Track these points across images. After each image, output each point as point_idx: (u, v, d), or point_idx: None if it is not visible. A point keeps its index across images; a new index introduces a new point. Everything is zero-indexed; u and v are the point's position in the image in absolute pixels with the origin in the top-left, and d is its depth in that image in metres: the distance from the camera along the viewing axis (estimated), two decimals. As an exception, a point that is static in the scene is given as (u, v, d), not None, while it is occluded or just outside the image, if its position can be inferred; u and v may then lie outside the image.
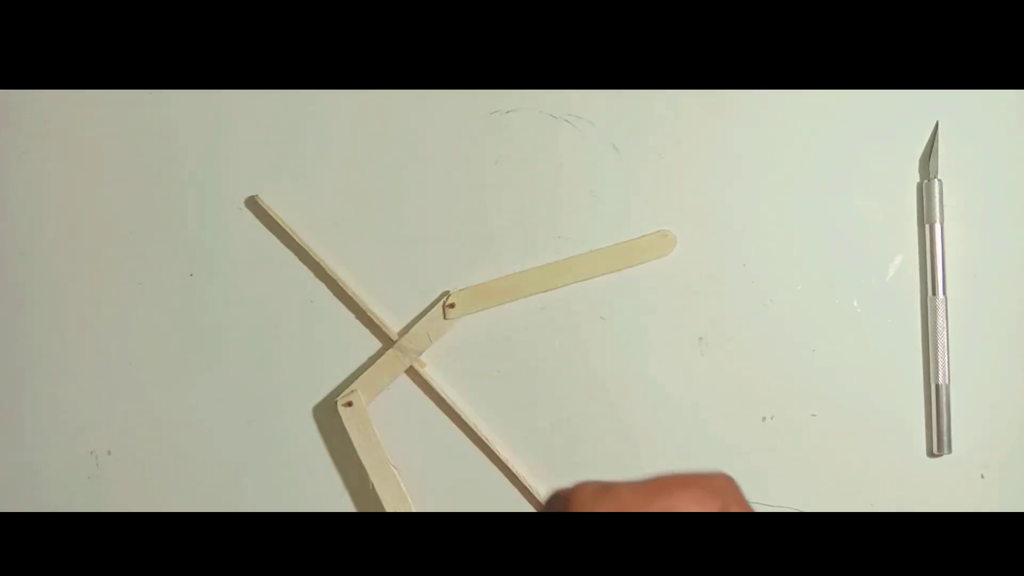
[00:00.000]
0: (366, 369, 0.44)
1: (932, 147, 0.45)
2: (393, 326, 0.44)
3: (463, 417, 0.44)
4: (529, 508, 0.43)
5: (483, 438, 0.44)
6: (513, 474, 0.44)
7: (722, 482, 0.31)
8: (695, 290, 0.45)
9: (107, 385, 0.46)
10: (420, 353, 0.43)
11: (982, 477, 0.44)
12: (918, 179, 0.45)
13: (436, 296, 0.45)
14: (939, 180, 0.44)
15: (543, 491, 0.41)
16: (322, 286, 0.46)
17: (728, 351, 0.45)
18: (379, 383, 0.43)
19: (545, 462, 0.40)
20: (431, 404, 0.45)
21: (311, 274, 0.46)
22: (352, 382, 0.45)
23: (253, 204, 0.43)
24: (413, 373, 0.45)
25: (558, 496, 0.32)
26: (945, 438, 0.43)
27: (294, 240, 0.44)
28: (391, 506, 0.43)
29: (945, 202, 0.44)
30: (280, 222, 0.41)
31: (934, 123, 0.45)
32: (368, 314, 0.44)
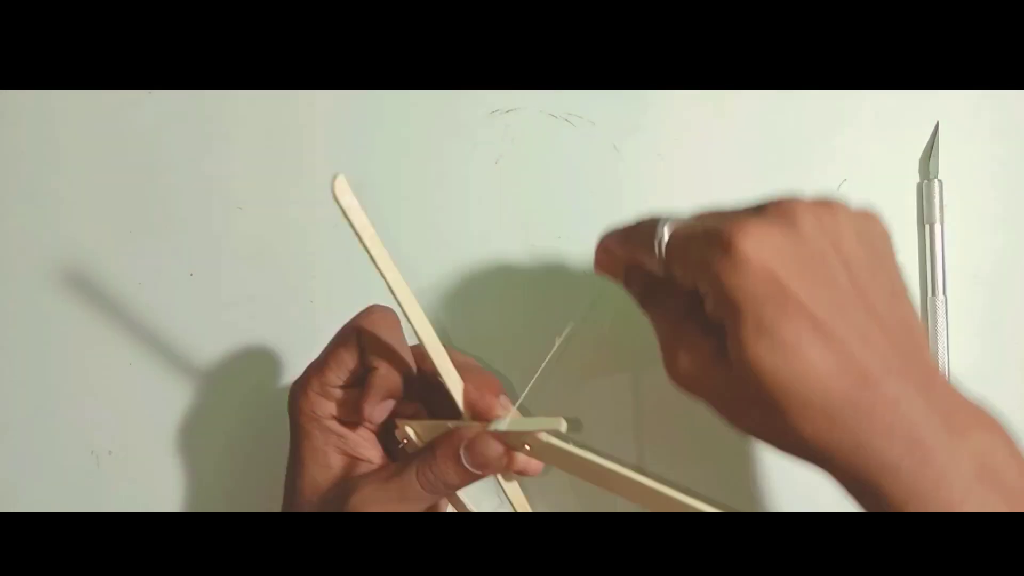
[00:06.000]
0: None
1: (932, 147, 0.45)
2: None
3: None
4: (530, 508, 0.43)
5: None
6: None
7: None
8: (695, 290, 0.45)
9: (107, 385, 0.46)
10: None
11: (982, 477, 0.44)
12: (918, 179, 0.45)
13: (439, 295, 0.45)
14: (939, 180, 0.44)
15: (541, 491, 0.41)
16: (320, 285, 0.46)
17: (728, 351, 0.45)
18: (431, 434, 0.36)
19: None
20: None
21: (311, 274, 0.46)
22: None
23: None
24: None
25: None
26: (945, 438, 0.43)
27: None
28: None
29: (945, 202, 0.44)
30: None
31: (934, 123, 0.45)
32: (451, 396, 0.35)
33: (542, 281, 0.45)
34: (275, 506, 0.45)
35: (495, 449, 0.33)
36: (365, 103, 0.46)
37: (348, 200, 0.29)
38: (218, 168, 0.46)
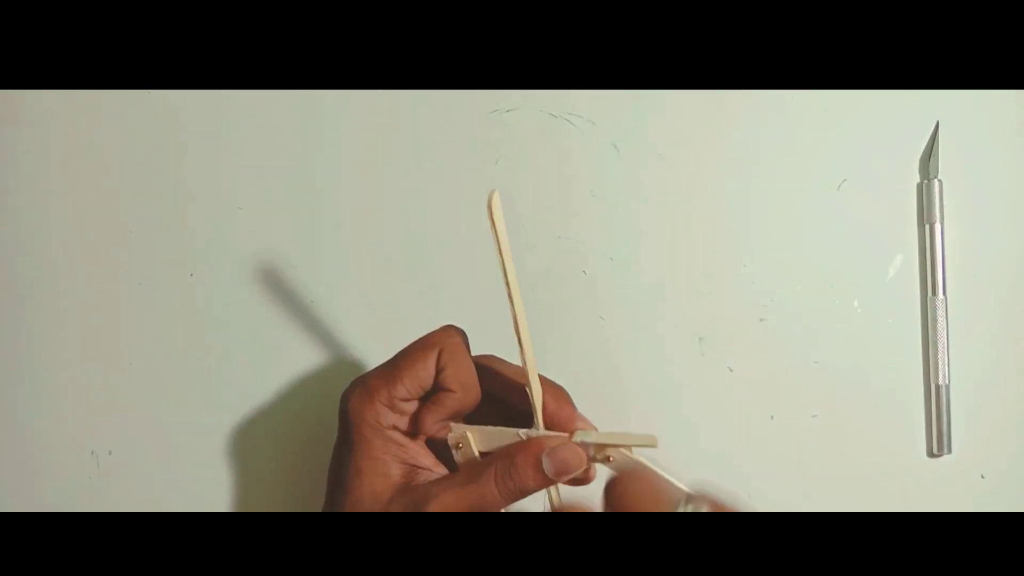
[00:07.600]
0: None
1: (932, 147, 0.45)
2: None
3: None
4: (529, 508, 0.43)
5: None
6: None
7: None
8: (695, 290, 0.45)
9: (107, 385, 0.46)
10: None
11: (982, 477, 0.44)
12: (918, 179, 0.45)
13: (439, 293, 0.45)
14: (939, 180, 0.44)
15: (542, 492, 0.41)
16: (320, 285, 0.46)
17: (728, 351, 0.45)
18: (494, 442, 0.37)
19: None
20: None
21: (311, 274, 0.46)
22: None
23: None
24: None
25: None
26: (945, 438, 0.43)
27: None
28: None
29: (945, 202, 0.44)
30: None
31: (934, 123, 0.45)
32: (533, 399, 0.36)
33: (542, 281, 0.45)
34: (276, 505, 0.45)
35: (580, 458, 0.34)
36: (365, 103, 0.46)
37: (499, 213, 0.33)
38: (218, 168, 0.46)
